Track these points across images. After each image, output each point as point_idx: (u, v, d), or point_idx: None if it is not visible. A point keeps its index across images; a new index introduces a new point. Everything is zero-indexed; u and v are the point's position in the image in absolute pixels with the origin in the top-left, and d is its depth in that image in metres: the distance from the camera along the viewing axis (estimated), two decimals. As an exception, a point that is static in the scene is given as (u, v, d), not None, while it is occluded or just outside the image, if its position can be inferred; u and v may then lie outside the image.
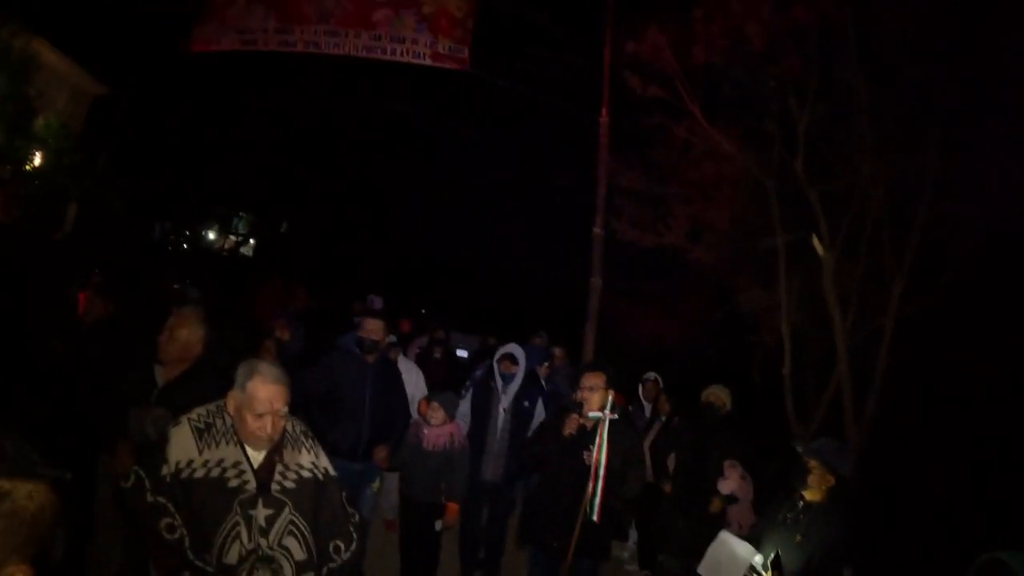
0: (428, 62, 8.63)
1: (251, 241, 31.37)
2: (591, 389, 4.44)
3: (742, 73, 9.06)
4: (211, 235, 29.50)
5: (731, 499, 6.12)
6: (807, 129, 8.98)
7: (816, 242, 8.93)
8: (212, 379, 3.77)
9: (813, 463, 3.98)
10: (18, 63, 14.04)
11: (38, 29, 14.90)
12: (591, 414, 4.35)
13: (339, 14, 8.93)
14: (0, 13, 13.75)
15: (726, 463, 6.24)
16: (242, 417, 2.67)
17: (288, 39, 8.99)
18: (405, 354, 7.18)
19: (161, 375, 3.81)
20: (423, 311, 19.96)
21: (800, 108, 9.00)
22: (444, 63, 8.63)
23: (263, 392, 2.66)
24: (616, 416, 4.37)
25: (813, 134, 9.06)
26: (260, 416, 2.64)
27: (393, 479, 6.04)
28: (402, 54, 8.71)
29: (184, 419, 2.73)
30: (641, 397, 7.44)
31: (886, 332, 9.09)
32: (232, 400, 2.71)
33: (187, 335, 3.83)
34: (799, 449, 4.44)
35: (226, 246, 29.84)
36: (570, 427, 4.45)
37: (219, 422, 2.73)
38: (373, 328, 5.15)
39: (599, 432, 4.31)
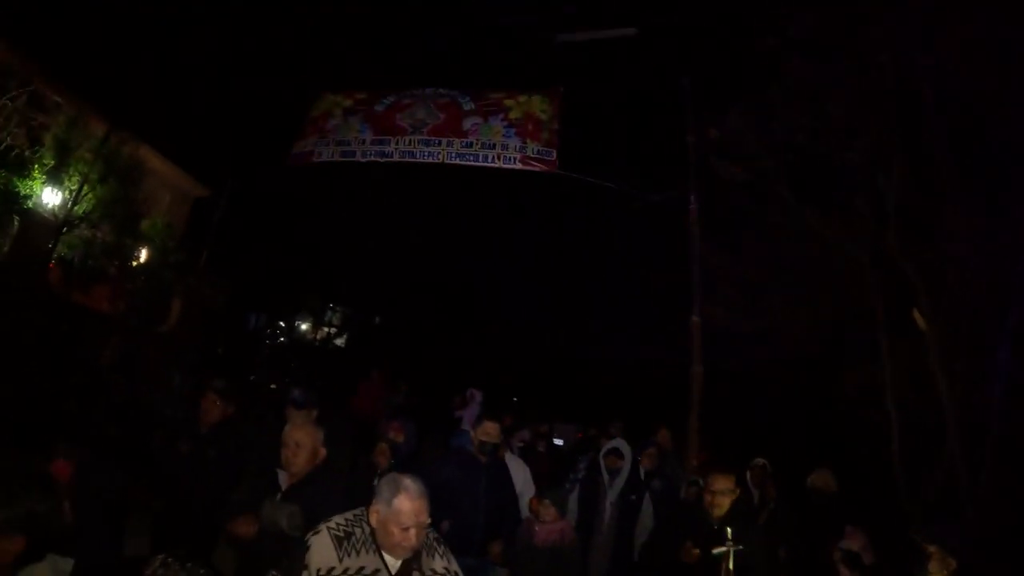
0: (519, 166, 8.91)
1: (343, 333, 32.29)
2: (721, 493, 4.26)
3: (826, 149, 9.04)
4: (303, 326, 30.50)
5: (854, 557, 5.80)
6: (896, 200, 8.86)
7: (917, 315, 8.70)
8: (332, 481, 3.94)
9: (932, 548, 3.81)
10: (126, 168, 15.07)
11: (144, 136, 15.97)
12: (715, 551, 4.13)
13: (432, 124, 9.37)
14: (110, 123, 14.85)
15: (847, 528, 5.98)
16: (387, 530, 2.82)
17: (385, 150, 9.45)
18: (508, 446, 7.28)
19: (285, 479, 3.97)
20: (515, 399, 20.04)
21: (887, 180, 8.89)
22: (534, 166, 8.89)
23: (409, 506, 2.81)
24: (741, 548, 4.12)
25: (903, 204, 8.92)
26: (406, 529, 2.80)
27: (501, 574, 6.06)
28: (493, 160, 9.03)
29: (323, 527, 2.89)
30: (748, 483, 7.27)
31: (996, 400, 8.69)
32: (376, 514, 2.87)
33: (311, 442, 3.96)
34: (916, 536, 4.25)
35: (319, 337, 30.78)
36: (689, 557, 4.21)
37: (358, 531, 2.89)
38: (491, 431, 5.29)
39: (724, 566, 4.14)
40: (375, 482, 5.53)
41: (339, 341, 31.70)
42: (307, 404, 5.12)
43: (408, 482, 2.89)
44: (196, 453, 5.19)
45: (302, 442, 3.94)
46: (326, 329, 31.76)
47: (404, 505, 2.81)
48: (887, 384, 9.26)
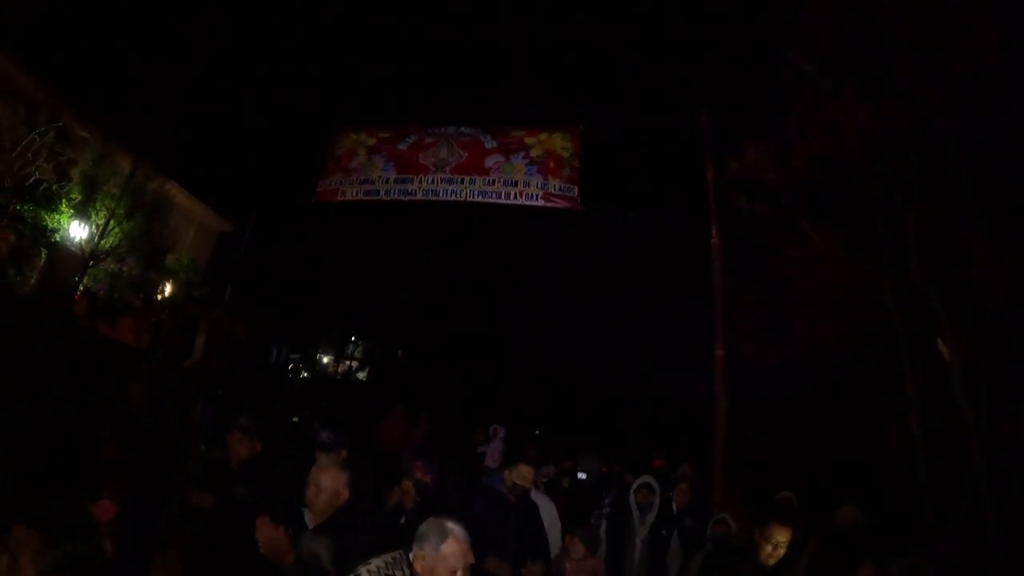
0: (541, 203, 9.03)
1: (365, 367, 32.44)
2: (779, 545, 4.26)
3: (844, 178, 9.08)
4: (324, 359, 30.74)
5: None
6: (917, 227, 8.86)
7: (941, 344, 8.66)
8: (357, 519, 3.99)
9: None
10: (152, 204, 15.28)
11: (169, 172, 16.21)
12: None
13: (455, 162, 9.54)
14: (136, 158, 15.08)
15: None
16: (435, 574, 2.86)
17: (408, 188, 9.63)
18: (533, 482, 7.30)
19: (310, 519, 4.04)
20: (537, 432, 20.06)
21: (907, 207, 8.90)
22: (556, 203, 9.01)
23: (458, 549, 2.88)
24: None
25: (924, 231, 8.92)
26: (454, 572, 2.85)
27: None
28: (516, 197, 9.17)
29: (363, 570, 2.90)
30: (773, 516, 7.22)
31: (1021, 425, 8.61)
32: (422, 559, 2.90)
33: (332, 485, 4.02)
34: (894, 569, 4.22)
35: (340, 370, 30.97)
36: None
37: (398, 573, 2.91)
38: (526, 475, 5.34)
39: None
40: (401, 520, 5.60)
41: (361, 375, 31.84)
42: (336, 447, 5.17)
43: (451, 525, 2.96)
44: (226, 490, 5.25)
45: (323, 485, 3.99)
46: (348, 363, 31.92)
47: (453, 548, 2.88)
48: (912, 411, 9.20)
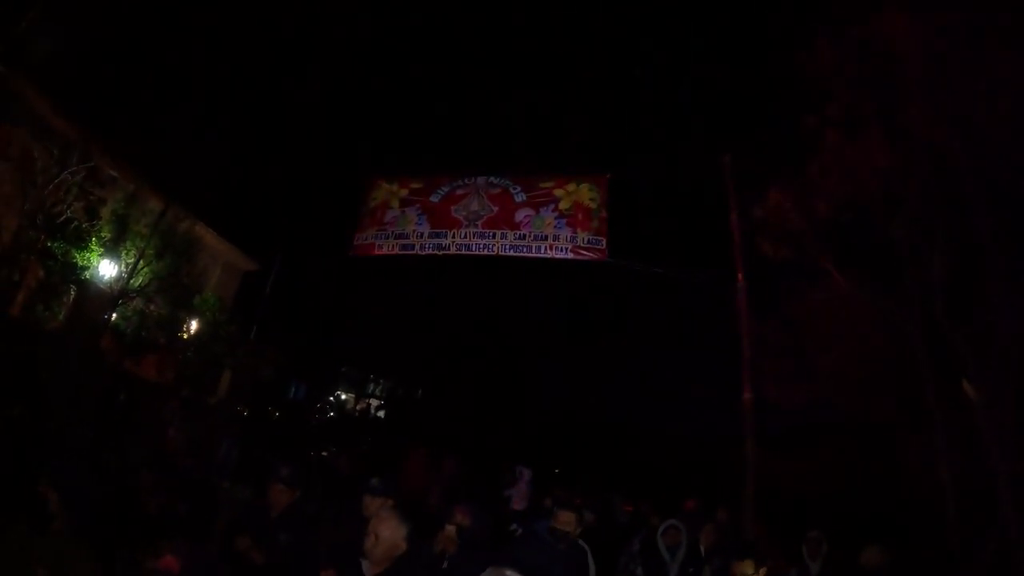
0: (570, 256, 9.29)
1: (385, 405, 32.63)
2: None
3: (868, 223, 9.19)
4: (343, 396, 30.96)
5: None
6: (941, 270, 8.94)
7: (967, 386, 8.72)
8: (414, 573, 4.10)
9: None
10: (182, 244, 15.56)
11: (196, 211, 16.51)
12: None
13: (486, 216, 9.81)
14: (166, 199, 15.37)
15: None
16: None
17: (442, 243, 9.92)
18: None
19: (368, 568, 4.15)
20: (556, 470, 20.15)
21: (930, 250, 8.99)
22: (584, 255, 9.26)
23: None
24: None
25: (949, 274, 9.00)
26: None
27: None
28: (546, 251, 9.44)
29: None
30: (805, 557, 7.25)
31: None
32: None
33: (391, 536, 4.11)
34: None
35: (359, 407, 31.14)
36: None
37: None
38: (566, 521, 5.43)
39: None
40: (444, 566, 5.68)
41: (380, 413, 31.97)
42: (386, 492, 5.25)
43: (511, 573, 3.04)
44: (268, 539, 5.33)
45: (382, 535, 4.04)
46: (368, 401, 32.08)
47: None
48: (939, 451, 9.23)
